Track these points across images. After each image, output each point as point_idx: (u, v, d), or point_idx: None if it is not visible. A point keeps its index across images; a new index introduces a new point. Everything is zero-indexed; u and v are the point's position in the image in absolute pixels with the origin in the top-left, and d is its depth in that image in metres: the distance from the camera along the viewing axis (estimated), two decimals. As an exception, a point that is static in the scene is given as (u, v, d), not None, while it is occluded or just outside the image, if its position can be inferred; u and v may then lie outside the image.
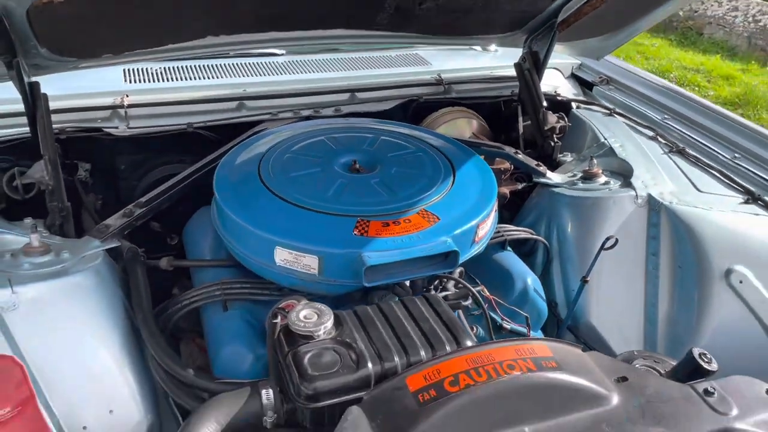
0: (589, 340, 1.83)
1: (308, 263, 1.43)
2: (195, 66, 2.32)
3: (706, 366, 1.32)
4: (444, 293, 1.55)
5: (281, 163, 1.69)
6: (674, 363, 1.43)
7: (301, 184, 1.60)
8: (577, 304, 1.82)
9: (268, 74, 2.31)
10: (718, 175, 2.02)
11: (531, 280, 1.73)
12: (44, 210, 1.68)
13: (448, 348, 1.26)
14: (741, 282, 1.73)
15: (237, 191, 1.59)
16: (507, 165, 2.13)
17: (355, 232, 1.45)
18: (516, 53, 2.44)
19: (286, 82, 2.26)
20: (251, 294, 1.55)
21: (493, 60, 2.64)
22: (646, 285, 1.85)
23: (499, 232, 1.83)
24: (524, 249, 1.98)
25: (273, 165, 1.68)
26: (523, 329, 1.68)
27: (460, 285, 1.55)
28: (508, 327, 1.66)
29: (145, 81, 2.20)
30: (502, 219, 2.23)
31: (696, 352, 1.33)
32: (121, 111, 2.04)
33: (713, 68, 7.75)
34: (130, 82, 2.18)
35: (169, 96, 2.09)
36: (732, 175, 2.01)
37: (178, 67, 2.29)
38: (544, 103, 2.21)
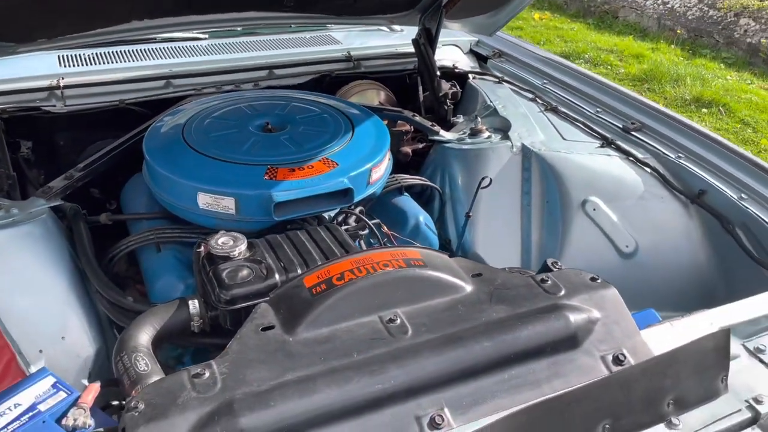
0: (476, 268, 2.17)
1: (227, 204, 1.71)
2: (125, 51, 2.56)
3: (554, 268, 1.66)
4: (345, 227, 1.86)
5: (203, 127, 1.97)
6: (510, 272, 1.76)
7: (219, 142, 1.88)
8: (465, 238, 2.16)
9: (193, 56, 2.57)
10: (581, 126, 2.39)
11: (423, 217, 2.06)
12: None
13: (342, 259, 1.56)
14: (594, 210, 2.10)
15: (165, 151, 1.85)
16: (408, 127, 2.46)
17: (265, 177, 1.74)
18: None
19: (208, 62, 2.52)
20: (180, 237, 1.82)
21: (399, 39, 2.96)
22: (522, 219, 2.20)
23: (396, 179, 2.14)
24: (423, 198, 2.30)
25: (195, 128, 1.95)
26: (416, 257, 1.99)
27: (359, 218, 1.86)
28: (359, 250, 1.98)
29: (78, 65, 2.42)
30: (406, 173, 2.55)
31: (549, 261, 1.67)
32: (58, 92, 2.27)
33: (625, 48, 8.30)
34: (65, 66, 2.41)
35: (102, 77, 2.33)
36: (593, 126, 2.38)
37: (109, 53, 2.52)
38: (438, 73, 2.53)
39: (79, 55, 2.49)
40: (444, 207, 2.28)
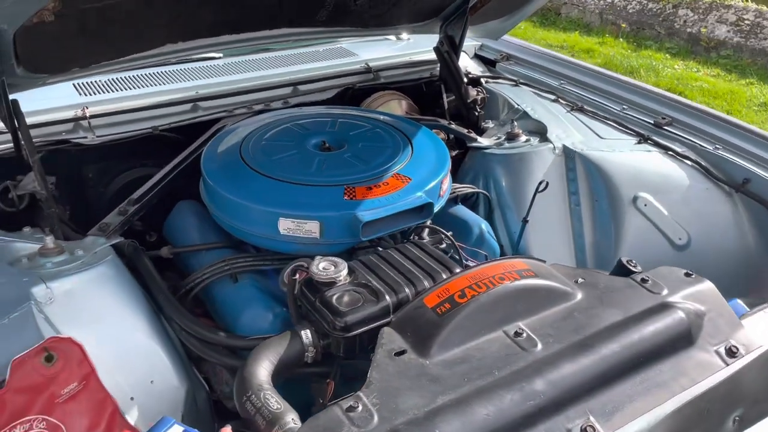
0: (534, 271, 2.18)
1: (310, 228, 1.66)
2: (142, 75, 2.45)
3: (633, 268, 1.68)
4: (425, 240, 1.83)
5: (261, 150, 1.90)
6: (607, 274, 1.79)
7: (285, 165, 1.82)
8: (520, 243, 2.17)
9: (213, 76, 2.49)
10: (613, 124, 2.44)
11: (484, 225, 2.05)
12: (21, 222, 1.79)
13: (444, 276, 1.54)
14: (645, 205, 2.14)
15: (232, 177, 1.78)
16: (442, 135, 2.45)
17: (345, 197, 1.70)
18: (425, 40, 2.77)
19: (233, 82, 2.45)
20: (255, 265, 1.75)
21: (408, 47, 2.95)
22: (572, 219, 2.23)
23: (451, 190, 2.13)
24: (468, 204, 2.30)
25: (253, 152, 1.89)
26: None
27: (433, 231, 1.84)
28: (472, 265, 1.97)
29: (98, 93, 2.30)
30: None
31: (624, 259, 1.70)
32: (84, 122, 2.15)
33: (575, 44, 8.56)
34: (84, 95, 2.28)
35: (128, 104, 2.22)
36: (625, 123, 2.43)
37: (125, 77, 2.41)
38: (465, 80, 2.54)
39: (96, 81, 2.37)
40: (492, 213, 2.28)
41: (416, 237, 1.84)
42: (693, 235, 2.13)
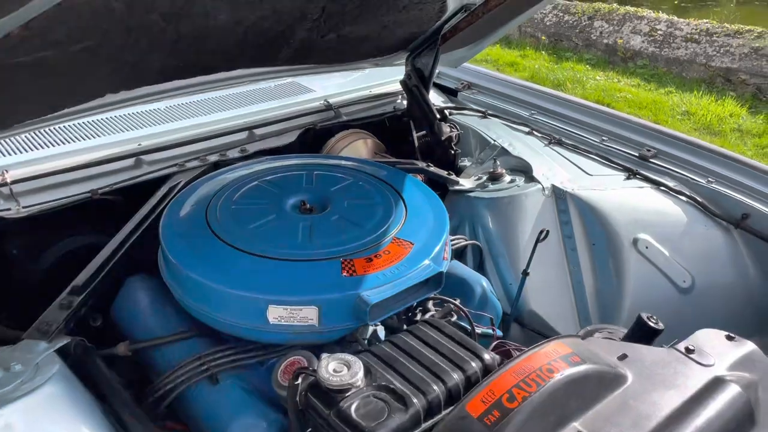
0: (535, 326, 2.00)
1: (306, 315, 1.39)
2: (68, 126, 2.09)
3: (654, 326, 1.52)
4: (429, 313, 1.60)
5: (231, 217, 1.61)
6: (623, 330, 1.63)
7: (265, 236, 1.54)
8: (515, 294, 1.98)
9: (155, 123, 2.16)
10: (596, 158, 2.30)
11: (485, 283, 1.84)
12: None
13: (473, 365, 1.31)
14: (647, 247, 2.00)
15: (202, 256, 1.48)
16: (420, 178, 2.23)
17: (344, 274, 1.44)
18: (383, 70, 2.55)
19: (179, 130, 2.13)
20: (237, 360, 1.46)
21: (365, 79, 2.72)
22: (569, 265, 2.06)
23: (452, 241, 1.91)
24: (456, 252, 2.09)
25: (222, 221, 1.60)
26: (489, 331, 1.78)
27: (441, 302, 1.61)
28: (478, 332, 1.76)
29: (19, 152, 1.93)
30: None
31: (644, 315, 1.53)
32: (5, 189, 1.78)
33: (498, 57, 8.60)
34: (3, 155, 1.91)
35: (57, 164, 1.87)
36: (608, 156, 2.30)
37: (52, 130, 2.05)
38: (438, 116, 2.33)
39: (16, 138, 1.99)
40: (483, 263, 2.08)
41: (422, 312, 1.60)
42: (696, 276, 2.01)
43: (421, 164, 2.18)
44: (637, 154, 2.29)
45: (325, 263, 1.46)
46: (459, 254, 2.09)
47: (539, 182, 2.13)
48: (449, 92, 2.90)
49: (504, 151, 2.33)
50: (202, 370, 1.43)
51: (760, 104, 6.62)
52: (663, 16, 8.37)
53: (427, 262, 1.51)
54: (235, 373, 1.46)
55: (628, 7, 8.85)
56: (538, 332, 1.98)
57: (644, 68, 7.96)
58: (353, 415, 1.18)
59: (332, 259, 1.47)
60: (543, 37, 9.21)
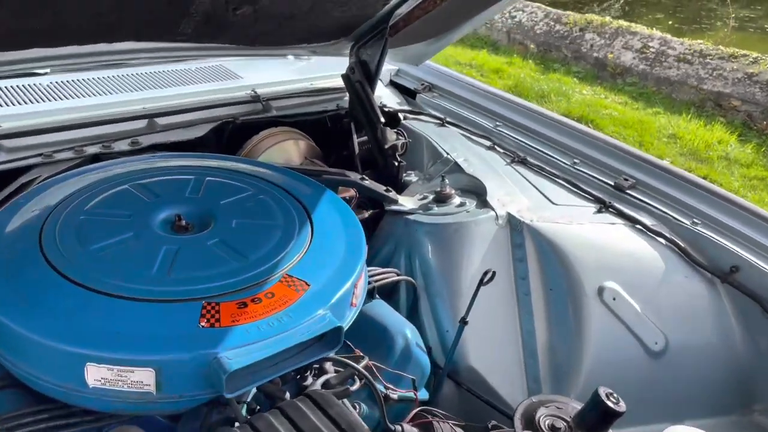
0: (472, 385, 1.63)
1: (139, 379, 1.01)
2: None
3: (614, 407, 1.19)
4: (325, 377, 1.23)
5: (74, 232, 1.23)
6: (577, 406, 1.28)
7: (109, 260, 1.16)
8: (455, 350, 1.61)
9: (30, 101, 1.76)
10: (564, 183, 1.95)
11: (410, 332, 1.48)
12: None
13: (357, 470, 0.94)
14: (614, 299, 1.65)
15: (13, 285, 1.10)
16: (351, 192, 1.85)
17: (202, 324, 1.06)
18: (334, 60, 2.17)
19: (57, 111, 1.73)
20: (51, 429, 1.08)
21: (310, 69, 2.35)
22: (521, 313, 1.70)
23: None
24: (386, 288, 1.72)
25: (62, 236, 1.21)
26: (410, 394, 1.42)
27: (342, 364, 1.23)
28: (395, 396, 1.39)
29: None
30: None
31: (603, 393, 1.20)
32: None
33: (484, 62, 8.26)
34: None
35: None
36: (579, 183, 1.94)
37: None
38: (382, 119, 1.96)
39: None
40: (417, 302, 1.71)
41: (316, 375, 1.23)
42: (670, 336, 1.66)
43: (355, 176, 1.80)
44: (612, 183, 1.93)
45: (180, 307, 1.08)
46: (390, 290, 1.72)
47: (493, 209, 1.77)
48: (408, 93, 2.53)
49: (457, 167, 1.96)
50: (-4, 441, 1.04)
51: (750, 132, 6.34)
52: (657, 33, 8.08)
53: (322, 312, 1.14)
54: (44, 446, 1.07)
55: (621, 22, 8.56)
56: (476, 395, 1.61)
57: (633, 86, 7.65)
58: None
59: (191, 300, 1.09)
60: (532, 46, 8.88)
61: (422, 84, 2.52)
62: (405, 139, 2.04)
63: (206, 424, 1.14)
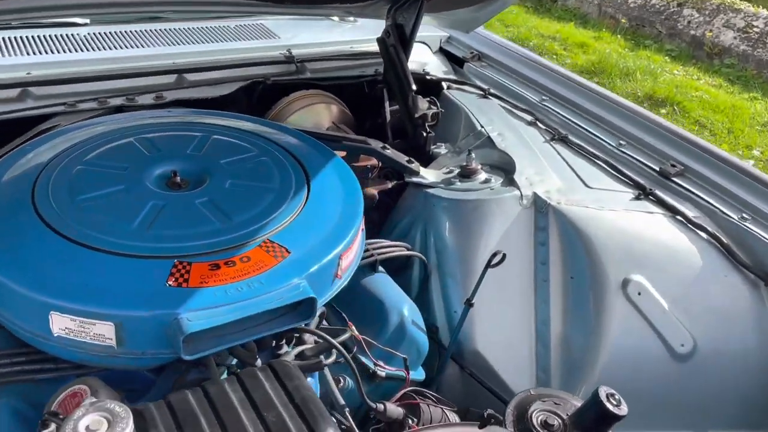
0: (476, 370, 1.56)
1: (100, 332, 1.01)
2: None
3: (614, 410, 1.09)
4: (301, 347, 1.19)
5: (68, 181, 1.24)
6: (577, 403, 1.19)
7: (94, 212, 1.16)
8: (459, 332, 1.54)
9: (66, 51, 1.79)
10: (604, 166, 1.81)
11: (408, 309, 1.42)
12: None
13: (300, 449, 0.90)
14: (640, 294, 1.52)
15: (0, 229, 1.12)
16: (374, 161, 1.79)
17: (169, 282, 1.04)
18: (380, 24, 2.09)
19: (88, 62, 1.75)
20: (25, 372, 1.10)
21: (353, 32, 2.28)
22: (537, 300, 1.60)
23: (368, 250, 1.49)
24: (396, 263, 1.66)
25: (56, 183, 1.22)
26: (400, 373, 1.36)
27: (320, 337, 1.19)
28: (383, 374, 1.34)
29: None
30: (371, 225, 1.91)
31: (603, 393, 1.10)
32: None
33: (568, 36, 7.88)
34: None
35: None
36: (620, 166, 1.80)
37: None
38: (414, 87, 1.87)
39: None
40: (428, 281, 1.64)
41: (297, 343, 1.20)
42: (702, 340, 1.52)
43: (376, 145, 1.74)
44: (657, 169, 1.78)
45: (151, 263, 1.07)
46: (402, 265, 1.66)
47: (518, 188, 1.66)
48: (456, 61, 2.42)
49: (489, 142, 1.86)
50: (-31, 379, 1.07)
51: None
52: (763, 12, 7.44)
53: (297, 281, 1.09)
54: (18, 390, 1.09)
55: (724, -2, 7.94)
56: (478, 380, 1.54)
57: (731, 68, 7.11)
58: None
59: (163, 258, 1.08)
60: (623, 20, 8.39)
61: (471, 53, 2.40)
62: (437, 109, 1.95)
63: (180, 381, 1.13)
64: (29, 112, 1.58)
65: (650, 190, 1.70)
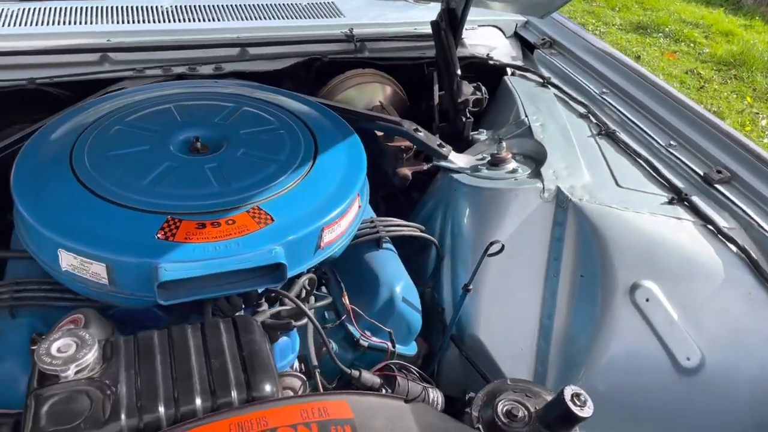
0: (474, 355, 1.59)
1: (96, 271, 1.17)
2: (52, 8, 1.99)
3: (577, 412, 1.10)
4: (277, 309, 1.29)
5: (107, 138, 1.41)
6: (548, 397, 1.21)
7: (116, 166, 1.32)
8: (463, 314, 1.58)
9: (144, 21, 1.99)
10: (645, 166, 1.74)
11: (401, 287, 1.47)
12: None
13: (234, 395, 1.01)
14: (647, 300, 1.47)
15: (37, 170, 1.32)
16: (408, 142, 1.85)
17: (158, 235, 1.18)
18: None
19: (161, 32, 1.94)
20: (46, 299, 1.29)
21: (425, 13, 2.31)
22: (545, 294, 1.59)
23: (375, 226, 1.56)
24: (416, 244, 1.71)
25: (96, 138, 1.40)
26: (382, 345, 1.44)
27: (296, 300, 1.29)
28: (365, 344, 1.42)
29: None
30: (408, 203, 1.97)
31: (568, 393, 1.11)
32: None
33: (713, 23, 7.29)
34: None
35: (9, 44, 1.78)
36: (661, 167, 1.72)
37: (29, 9, 1.96)
38: (459, 71, 1.89)
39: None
40: (441, 263, 1.68)
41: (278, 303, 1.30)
42: (712, 357, 1.45)
43: (408, 126, 1.78)
44: (701, 173, 1.68)
45: (147, 217, 1.21)
46: (422, 246, 1.71)
47: (541, 180, 1.65)
48: (528, 46, 2.39)
49: (529, 131, 1.85)
50: (2, 299, 1.28)
51: None
52: None
53: (272, 246, 1.19)
54: (38, 313, 1.29)
55: None
56: (472, 363, 1.57)
57: None
58: (44, 406, 0.96)
59: (158, 213, 1.22)
60: (781, 8, 7.61)
61: (543, 39, 2.35)
62: (481, 95, 1.95)
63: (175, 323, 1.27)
64: (104, 75, 1.79)
65: (686, 195, 1.62)
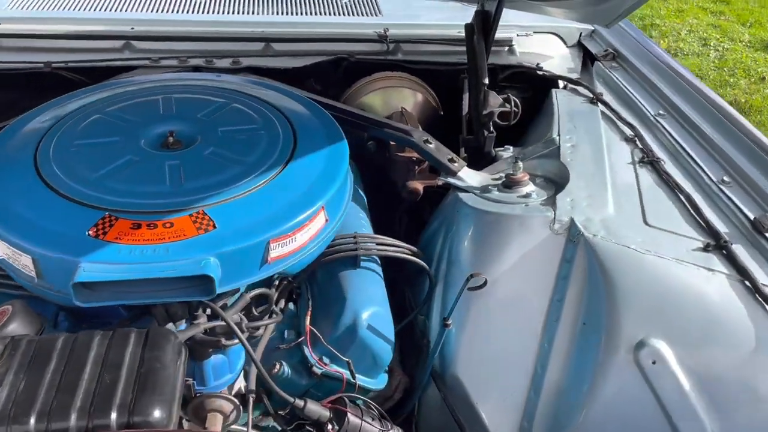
0: (454, 398, 1.41)
1: (25, 263, 1.12)
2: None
3: None
4: (213, 324, 1.19)
5: (82, 127, 1.38)
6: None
7: (77, 155, 1.28)
8: (444, 351, 1.41)
9: (169, 11, 1.97)
10: (685, 203, 1.48)
11: (369, 313, 1.33)
12: None
13: (112, 417, 0.92)
14: (654, 362, 1.24)
15: (1, 153, 1.30)
16: (415, 157, 1.70)
17: (89, 232, 1.12)
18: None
19: (186, 23, 1.91)
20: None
21: (461, 17, 2.14)
22: (542, 339, 1.39)
23: (354, 242, 1.42)
24: (414, 265, 1.56)
25: (70, 128, 1.37)
26: (336, 374, 1.30)
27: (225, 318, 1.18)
28: (319, 372, 1.29)
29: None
30: (421, 220, 1.83)
31: None
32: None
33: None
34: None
35: (32, 27, 1.80)
36: (704, 206, 1.46)
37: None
38: (486, 80, 1.71)
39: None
40: (432, 290, 1.52)
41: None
42: (724, 435, 1.20)
43: (418, 137, 1.63)
44: (752, 217, 1.41)
45: (84, 211, 1.15)
46: (420, 270, 1.56)
47: (554, 209, 1.45)
48: (590, 57, 2.16)
49: (556, 153, 1.64)
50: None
51: None
52: None
53: (204, 256, 1.10)
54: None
55: None
56: (450, 408, 1.40)
57: None
58: None
59: (97, 208, 1.16)
60: None
61: (606, 50, 2.11)
62: (512, 108, 1.76)
63: (124, 324, 1.21)
64: (119, 62, 1.77)
65: (725, 242, 1.35)
